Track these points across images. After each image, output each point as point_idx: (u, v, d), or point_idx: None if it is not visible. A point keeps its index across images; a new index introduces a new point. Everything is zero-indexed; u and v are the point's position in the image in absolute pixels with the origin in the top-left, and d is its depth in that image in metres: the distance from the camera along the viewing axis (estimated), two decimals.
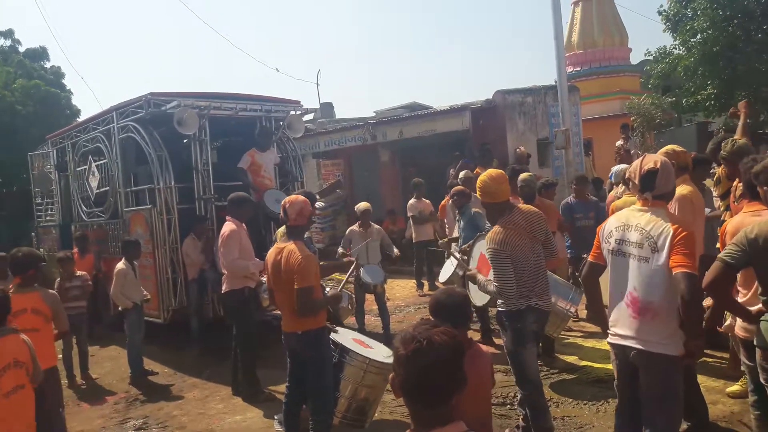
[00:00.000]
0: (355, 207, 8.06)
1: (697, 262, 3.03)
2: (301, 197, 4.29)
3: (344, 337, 4.42)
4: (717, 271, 2.99)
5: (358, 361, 4.15)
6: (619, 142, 13.11)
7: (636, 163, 3.28)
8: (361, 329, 7.19)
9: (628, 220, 3.19)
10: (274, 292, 4.32)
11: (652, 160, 3.19)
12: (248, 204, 6.19)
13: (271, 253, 4.27)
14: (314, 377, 4.12)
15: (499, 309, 4.13)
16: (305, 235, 4.69)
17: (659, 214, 3.10)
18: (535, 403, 4.07)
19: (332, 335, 4.32)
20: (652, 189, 3.14)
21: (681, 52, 16.75)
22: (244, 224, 6.05)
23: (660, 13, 16.78)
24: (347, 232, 7.87)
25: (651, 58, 18.48)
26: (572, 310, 5.63)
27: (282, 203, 4.30)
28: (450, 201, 8.29)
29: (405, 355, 1.62)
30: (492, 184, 4.03)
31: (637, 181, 3.21)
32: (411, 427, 1.66)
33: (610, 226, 3.29)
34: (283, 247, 4.17)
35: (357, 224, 7.75)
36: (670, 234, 2.98)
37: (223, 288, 5.92)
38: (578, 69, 20.91)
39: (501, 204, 4.06)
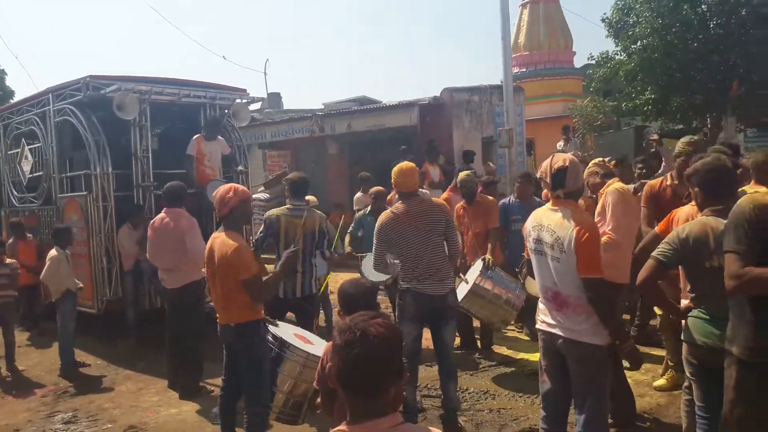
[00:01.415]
0: None
1: (599, 260, 3.15)
2: (226, 185, 4.21)
3: (285, 331, 4.36)
4: (650, 269, 3.10)
5: (298, 356, 4.10)
6: (560, 143, 13.45)
7: (546, 162, 3.41)
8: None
9: (541, 221, 3.33)
10: (209, 282, 4.25)
11: (561, 158, 3.33)
12: (184, 193, 6.02)
13: (209, 242, 4.19)
14: (248, 370, 4.06)
15: None
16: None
17: (567, 215, 3.21)
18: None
19: (272, 329, 4.26)
20: (563, 186, 3.27)
21: (622, 57, 17.30)
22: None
23: (603, 20, 17.28)
24: None
25: (594, 62, 19.02)
26: (520, 301, 5.73)
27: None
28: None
29: (340, 345, 1.63)
30: (401, 174, 4.54)
31: (548, 180, 3.32)
32: (347, 419, 1.66)
33: (528, 225, 3.46)
34: (215, 237, 4.11)
35: None
36: (573, 237, 3.12)
37: (176, 282, 5.68)
38: (523, 70, 21.34)
39: (406, 193, 4.52)
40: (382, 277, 5.54)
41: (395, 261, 4.52)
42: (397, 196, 4.77)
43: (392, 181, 4.60)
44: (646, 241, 3.86)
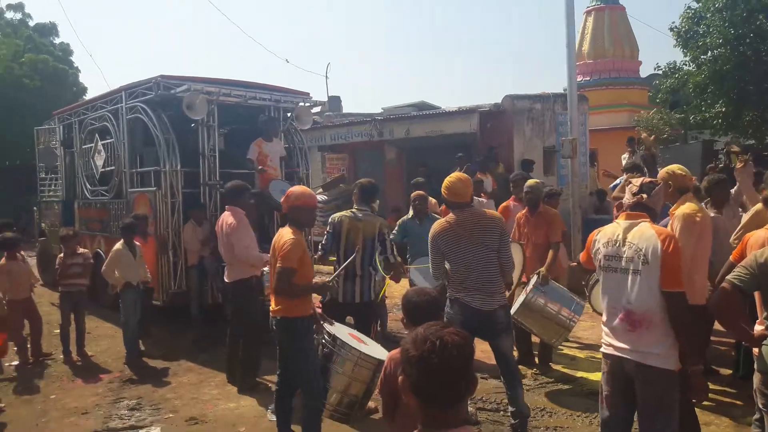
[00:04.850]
0: None
1: (682, 274, 3.08)
2: (297, 186, 4.45)
3: (340, 330, 4.44)
4: (724, 293, 3.00)
5: (351, 355, 4.17)
6: (625, 155, 13.12)
7: (640, 178, 3.42)
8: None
9: (616, 235, 3.25)
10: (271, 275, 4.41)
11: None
12: (246, 192, 6.18)
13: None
14: (294, 364, 4.20)
15: None
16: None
17: (646, 227, 3.15)
18: None
19: (328, 327, 4.34)
20: (649, 194, 3.25)
21: (691, 68, 16.75)
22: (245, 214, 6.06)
23: (672, 29, 16.76)
24: None
25: (660, 72, 18.47)
26: (575, 319, 5.64)
27: None
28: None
29: (417, 356, 1.61)
30: (459, 185, 4.52)
31: (636, 187, 3.29)
32: (419, 428, 1.66)
33: (598, 242, 3.35)
34: (279, 231, 4.35)
35: None
36: (659, 247, 3.03)
37: (229, 277, 5.87)
38: (587, 78, 20.89)
39: (459, 204, 4.51)
40: (431, 284, 5.57)
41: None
42: (446, 205, 4.76)
43: (443, 191, 4.57)
44: (723, 270, 3.78)
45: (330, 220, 5.35)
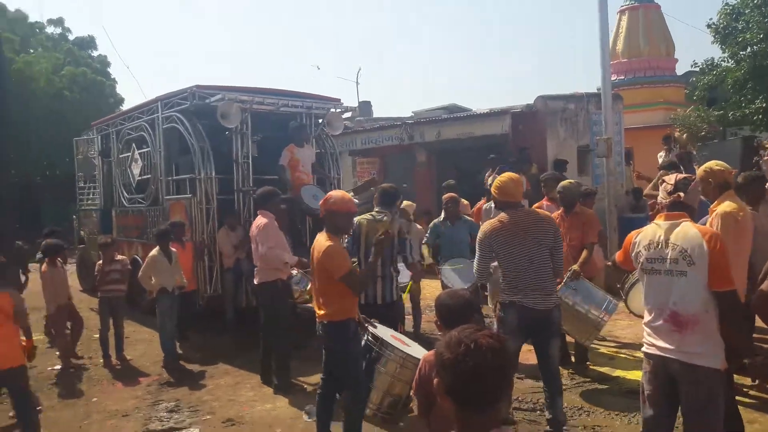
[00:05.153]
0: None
1: (731, 272, 3.01)
2: (336, 191, 4.47)
3: (383, 332, 4.47)
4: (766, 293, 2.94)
5: (396, 356, 4.20)
6: (662, 154, 12.86)
7: (673, 175, 3.35)
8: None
9: (657, 236, 3.19)
10: (313, 279, 4.43)
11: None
12: (276, 197, 6.25)
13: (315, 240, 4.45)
14: (341, 368, 4.21)
15: None
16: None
17: (688, 227, 3.09)
18: None
19: (372, 329, 4.37)
20: (685, 191, 3.18)
21: (729, 64, 16.37)
22: (275, 218, 6.13)
23: (709, 26, 16.41)
24: None
25: (697, 69, 18.09)
26: (605, 318, 5.54)
27: None
28: (484, 204, 8.29)
29: (452, 359, 1.60)
30: (511, 184, 4.45)
31: (671, 185, 3.23)
32: (455, 430, 1.65)
33: (639, 244, 3.29)
34: (318, 236, 4.36)
35: None
36: (705, 247, 2.97)
37: (256, 279, 6.00)
38: (622, 77, 20.58)
39: (511, 203, 4.42)
40: (465, 284, 5.89)
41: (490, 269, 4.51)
42: (494, 205, 4.72)
43: (494, 191, 4.51)
44: (766, 268, 3.70)
45: None
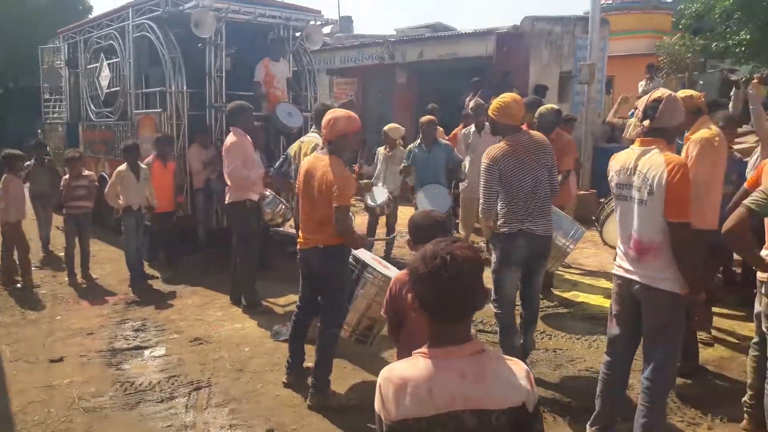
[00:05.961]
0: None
1: (688, 204, 2.99)
2: (338, 111, 4.07)
3: (364, 254, 4.43)
4: (739, 217, 2.97)
5: (375, 278, 4.18)
6: (642, 82, 12.73)
7: (646, 96, 3.24)
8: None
9: (627, 163, 3.16)
10: (301, 200, 4.19)
11: (661, 91, 3.17)
12: (247, 113, 6.04)
13: (307, 161, 4.18)
14: (332, 291, 4.07)
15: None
16: None
17: (656, 154, 3.04)
18: (504, 322, 4.28)
19: (354, 251, 4.29)
20: (652, 118, 3.09)
21: None
22: (248, 136, 5.97)
23: None
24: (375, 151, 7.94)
25: None
26: (571, 246, 5.56)
27: None
28: (462, 130, 8.16)
29: (427, 272, 1.59)
30: (514, 105, 4.12)
31: (640, 111, 3.16)
32: (427, 345, 1.65)
33: (612, 169, 3.28)
34: (319, 159, 4.03)
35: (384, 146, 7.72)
36: (665, 177, 2.94)
37: (226, 199, 5.91)
38: (610, 2, 20.08)
39: (513, 127, 4.14)
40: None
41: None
42: (490, 128, 4.40)
43: (493, 113, 4.16)
44: (737, 196, 3.70)
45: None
